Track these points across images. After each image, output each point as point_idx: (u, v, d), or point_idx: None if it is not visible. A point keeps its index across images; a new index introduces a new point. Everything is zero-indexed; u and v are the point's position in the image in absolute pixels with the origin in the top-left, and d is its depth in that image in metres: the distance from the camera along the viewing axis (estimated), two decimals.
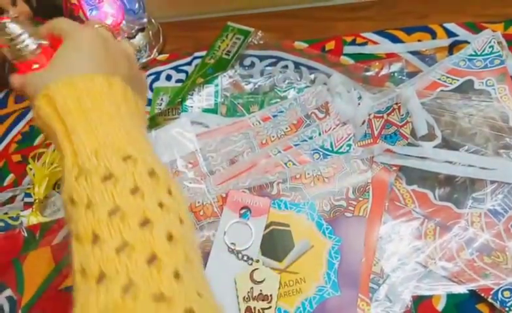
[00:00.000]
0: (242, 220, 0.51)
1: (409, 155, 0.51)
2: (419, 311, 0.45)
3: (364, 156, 0.53)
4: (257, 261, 0.48)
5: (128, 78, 0.40)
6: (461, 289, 0.45)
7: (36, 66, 0.42)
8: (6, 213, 0.60)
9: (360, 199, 0.51)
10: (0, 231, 0.59)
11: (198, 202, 0.53)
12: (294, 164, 0.54)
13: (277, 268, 0.49)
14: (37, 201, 0.58)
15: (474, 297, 0.45)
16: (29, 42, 0.41)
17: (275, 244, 0.50)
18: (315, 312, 0.46)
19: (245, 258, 0.49)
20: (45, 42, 0.42)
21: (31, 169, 0.61)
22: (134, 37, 0.69)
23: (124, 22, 0.69)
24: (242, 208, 0.52)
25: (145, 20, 0.70)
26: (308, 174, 0.53)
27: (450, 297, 0.45)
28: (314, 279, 0.48)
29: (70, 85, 0.35)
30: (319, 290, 0.47)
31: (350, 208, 0.50)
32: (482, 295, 0.44)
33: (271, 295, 0.46)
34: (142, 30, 0.70)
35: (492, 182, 0.49)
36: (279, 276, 0.47)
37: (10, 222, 0.60)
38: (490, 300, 0.43)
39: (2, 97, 0.75)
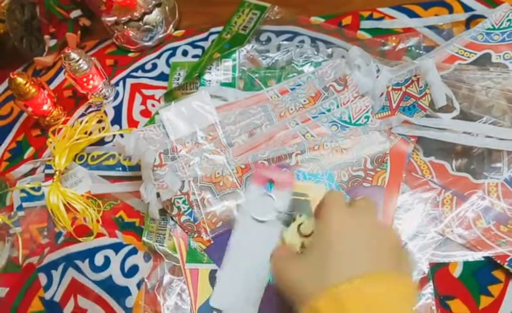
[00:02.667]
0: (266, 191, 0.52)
1: (426, 126, 0.51)
2: (436, 277, 0.46)
3: (382, 127, 0.53)
4: (300, 215, 0.44)
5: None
6: (477, 256, 0.46)
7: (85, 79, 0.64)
8: (28, 184, 0.61)
9: (378, 169, 0.51)
10: (23, 201, 0.60)
11: (218, 173, 0.54)
12: (312, 136, 0.55)
13: None
14: (58, 172, 0.59)
15: (490, 263, 0.46)
16: (82, 63, 0.63)
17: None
18: None
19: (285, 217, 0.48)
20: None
21: (51, 142, 0.62)
22: (150, 13, 0.70)
23: None
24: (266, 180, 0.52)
25: None
26: (326, 145, 0.54)
27: (467, 264, 0.46)
28: None
29: (356, 290, 0.31)
30: None
31: (368, 178, 0.51)
32: (499, 261, 0.45)
33: None
34: (158, 5, 0.70)
35: (509, 152, 0.49)
36: None
37: (32, 192, 0.61)
38: (506, 266, 0.44)
39: None
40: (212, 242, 0.52)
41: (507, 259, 0.45)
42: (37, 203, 0.60)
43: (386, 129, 0.53)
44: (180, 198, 0.53)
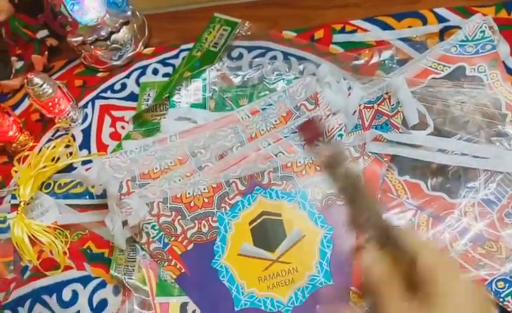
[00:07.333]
0: None
1: (401, 143, 0.50)
2: None
3: (356, 142, 0.52)
4: None
5: None
6: None
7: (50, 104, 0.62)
8: None
9: None
10: None
11: (189, 193, 0.52)
12: (284, 155, 0.53)
13: (270, 258, 0.48)
14: (22, 203, 0.56)
15: None
16: (46, 88, 0.60)
17: (267, 234, 0.50)
18: (308, 302, 0.46)
19: None
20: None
21: (16, 171, 0.59)
22: (118, 31, 0.67)
23: (107, 16, 0.67)
24: None
25: (129, 13, 0.68)
26: (299, 162, 0.52)
27: None
28: (306, 268, 0.47)
29: None
30: (311, 279, 0.47)
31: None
32: None
33: None
34: (126, 23, 0.68)
35: (485, 171, 0.48)
36: None
37: None
38: None
39: None
40: (183, 270, 0.50)
41: (485, 284, 0.43)
42: (2, 236, 0.58)
43: (360, 144, 0.51)
44: (149, 223, 0.52)
